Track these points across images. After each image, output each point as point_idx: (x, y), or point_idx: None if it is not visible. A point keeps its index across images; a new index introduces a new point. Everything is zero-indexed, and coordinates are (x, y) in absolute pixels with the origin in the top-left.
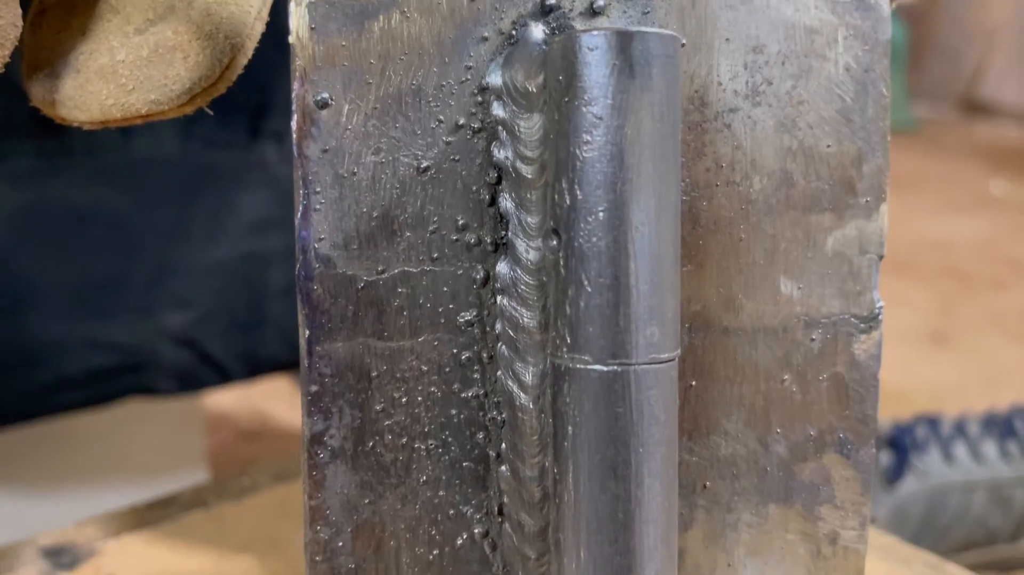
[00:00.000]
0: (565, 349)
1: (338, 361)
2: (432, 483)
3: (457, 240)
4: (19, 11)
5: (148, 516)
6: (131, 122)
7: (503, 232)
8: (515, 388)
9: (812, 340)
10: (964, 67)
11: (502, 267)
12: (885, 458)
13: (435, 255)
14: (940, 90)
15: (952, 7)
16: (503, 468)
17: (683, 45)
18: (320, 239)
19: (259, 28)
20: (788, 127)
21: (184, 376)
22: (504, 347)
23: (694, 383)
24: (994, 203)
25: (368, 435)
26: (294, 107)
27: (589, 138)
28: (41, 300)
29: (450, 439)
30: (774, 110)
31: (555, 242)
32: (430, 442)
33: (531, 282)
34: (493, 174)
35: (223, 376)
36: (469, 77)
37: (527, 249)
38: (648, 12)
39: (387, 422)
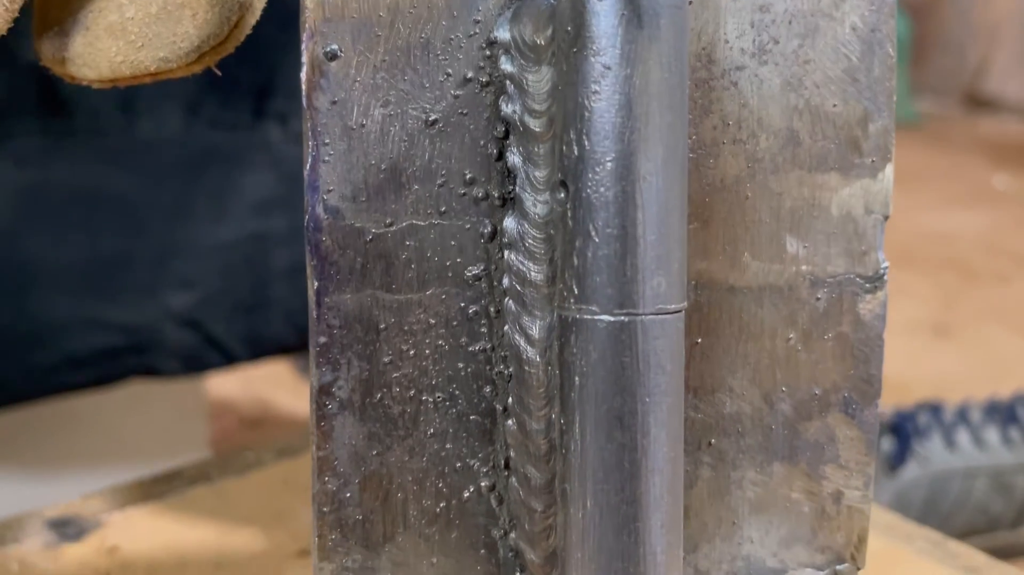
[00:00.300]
0: (572, 300)
1: (346, 313)
2: (439, 436)
3: (465, 194)
4: None
5: (153, 489)
6: (140, 80)
7: (511, 187)
8: (522, 342)
9: (817, 299)
10: (968, 62)
11: (509, 222)
12: (887, 444)
13: (443, 209)
14: (944, 85)
15: (956, 2)
16: (510, 422)
17: (690, 1)
18: (329, 191)
19: None
20: (794, 86)
21: (188, 357)
22: (511, 302)
23: (700, 340)
24: (997, 197)
25: (376, 387)
26: (303, 59)
27: (597, 88)
28: (45, 280)
29: (457, 392)
30: (780, 69)
31: (563, 194)
32: (437, 395)
33: (538, 236)
34: (501, 128)
35: (227, 358)
36: (477, 31)
37: (535, 203)
38: None
39: (395, 374)
